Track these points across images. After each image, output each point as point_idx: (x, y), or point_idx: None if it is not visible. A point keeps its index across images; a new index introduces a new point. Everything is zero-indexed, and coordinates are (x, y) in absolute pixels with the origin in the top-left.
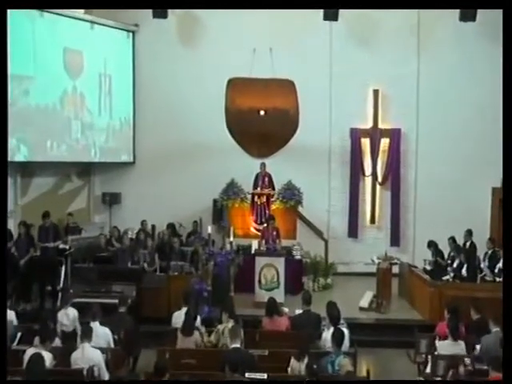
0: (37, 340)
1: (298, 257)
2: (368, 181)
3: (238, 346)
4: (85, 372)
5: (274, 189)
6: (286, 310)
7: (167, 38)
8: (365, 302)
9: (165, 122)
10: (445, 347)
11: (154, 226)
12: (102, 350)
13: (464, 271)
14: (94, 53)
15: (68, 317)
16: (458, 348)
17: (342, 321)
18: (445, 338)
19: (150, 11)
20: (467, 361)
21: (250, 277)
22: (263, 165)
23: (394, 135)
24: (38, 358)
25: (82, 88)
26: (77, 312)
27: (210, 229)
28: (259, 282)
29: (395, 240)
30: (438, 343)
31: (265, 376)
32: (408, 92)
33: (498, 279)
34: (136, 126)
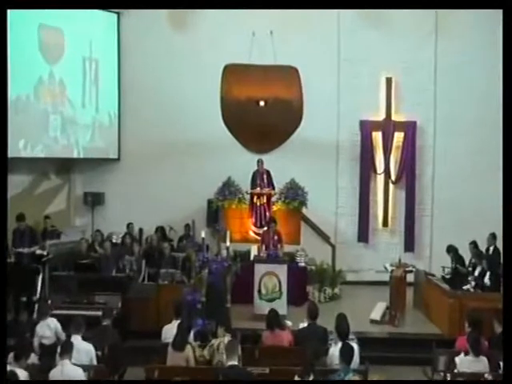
0: (11, 356)
1: (302, 264)
2: (380, 179)
3: (235, 363)
4: None
5: (273, 188)
6: (288, 323)
7: (157, 21)
8: (376, 314)
9: (154, 114)
10: (465, 364)
11: (141, 230)
12: (84, 367)
13: (487, 279)
14: (76, 31)
15: (49, 327)
16: (480, 365)
17: (351, 335)
18: (465, 353)
19: None
20: (489, 377)
21: (249, 286)
22: (260, 161)
23: (409, 128)
24: (11, 376)
25: (61, 75)
26: (58, 322)
27: (203, 233)
28: (259, 291)
29: (410, 245)
30: (457, 360)
31: None
32: (425, 80)
33: None
34: (121, 119)
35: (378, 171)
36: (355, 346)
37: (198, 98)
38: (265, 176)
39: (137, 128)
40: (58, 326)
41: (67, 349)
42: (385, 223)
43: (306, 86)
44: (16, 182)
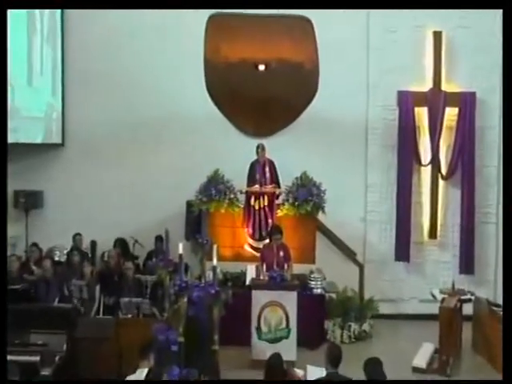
0: None
1: (319, 290)
2: (426, 173)
3: None
4: None
5: (278, 185)
6: (299, 372)
7: None
8: (421, 360)
9: (111, 84)
10: None
11: (94, 243)
12: None
13: None
14: None
15: None
16: None
17: None
18: None
19: None
20: None
21: (244, 321)
22: (261, 148)
23: (466, 103)
24: None
25: None
26: None
27: (181, 247)
28: (258, 329)
29: (468, 264)
30: None
31: None
32: (486, 35)
33: None
34: (66, 89)
35: (423, 162)
36: None
37: (172, 62)
38: (267, 168)
39: (88, 103)
40: None
41: None
42: (432, 234)
43: (322, 45)
44: None
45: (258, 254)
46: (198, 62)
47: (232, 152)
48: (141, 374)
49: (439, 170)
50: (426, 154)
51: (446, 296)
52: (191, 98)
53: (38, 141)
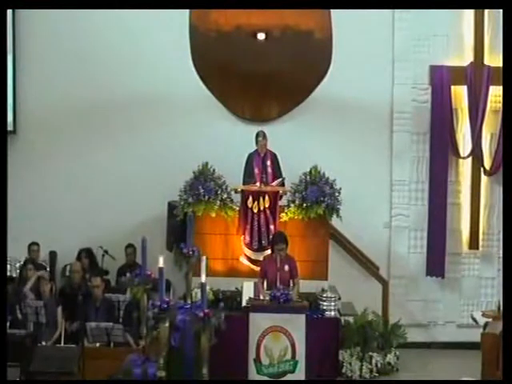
0: None
1: (332, 313)
2: (465, 168)
3: None
4: None
5: (282, 182)
6: None
7: None
8: None
9: (73, 59)
10: None
11: (53, 255)
12: None
13: None
14: None
15: None
16: None
17: None
18: None
19: None
20: None
21: (240, 351)
22: (262, 136)
23: None
24: None
25: None
26: None
27: (161, 260)
28: (257, 360)
29: None
30: None
31: None
32: None
33: None
34: (18, 66)
35: (462, 154)
36: None
37: (148, 29)
38: (268, 162)
39: (44, 81)
40: None
41: None
42: (473, 244)
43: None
44: None
45: (256, 268)
46: (180, 29)
47: (224, 141)
48: None
49: (482, 164)
50: (465, 144)
51: (489, 320)
52: (174, 75)
53: None
